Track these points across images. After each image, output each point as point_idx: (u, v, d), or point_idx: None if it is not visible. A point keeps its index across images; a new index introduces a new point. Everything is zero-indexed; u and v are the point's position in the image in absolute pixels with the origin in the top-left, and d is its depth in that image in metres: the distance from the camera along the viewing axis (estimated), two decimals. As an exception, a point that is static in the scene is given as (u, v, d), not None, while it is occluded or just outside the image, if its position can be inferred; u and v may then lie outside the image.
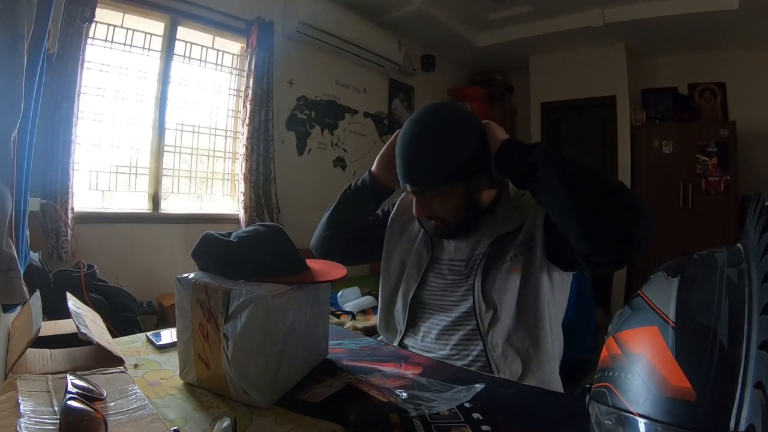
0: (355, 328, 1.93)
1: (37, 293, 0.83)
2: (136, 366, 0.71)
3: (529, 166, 0.75)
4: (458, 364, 0.85)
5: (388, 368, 0.75)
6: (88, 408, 0.47)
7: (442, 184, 0.83)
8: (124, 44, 2.38)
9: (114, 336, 0.81)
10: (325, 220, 1.04)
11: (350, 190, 1.01)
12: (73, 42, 2.01)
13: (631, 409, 0.33)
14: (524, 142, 0.81)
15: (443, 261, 0.95)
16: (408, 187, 0.86)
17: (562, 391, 0.87)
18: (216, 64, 2.86)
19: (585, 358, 1.07)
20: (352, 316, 2.22)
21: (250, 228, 0.73)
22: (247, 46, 2.87)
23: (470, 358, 0.87)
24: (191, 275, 0.65)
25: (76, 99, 2.06)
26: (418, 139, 0.83)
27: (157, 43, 2.54)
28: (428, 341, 0.92)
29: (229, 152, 2.99)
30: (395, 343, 0.97)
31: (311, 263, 0.76)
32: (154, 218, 2.58)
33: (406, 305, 0.96)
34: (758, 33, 3.33)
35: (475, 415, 0.57)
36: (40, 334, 0.68)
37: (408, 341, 0.96)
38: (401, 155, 0.84)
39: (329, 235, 1.03)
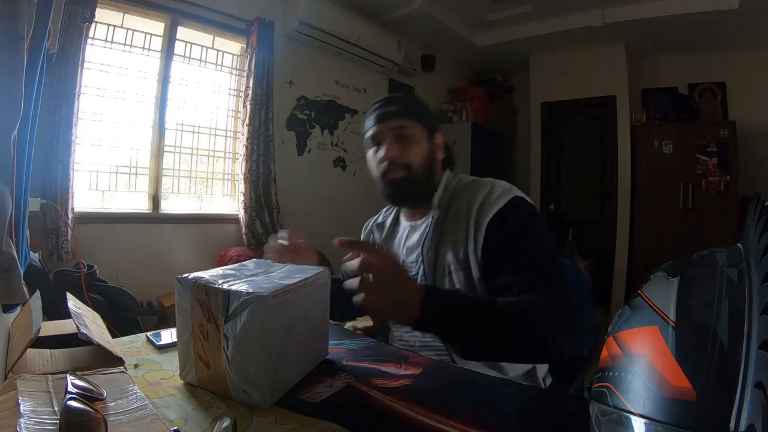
0: (355, 328, 1.92)
1: (37, 293, 0.83)
2: (136, 366, 0.71)
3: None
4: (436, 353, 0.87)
5: (388, 368, 0.75)
6: (88, 408, 0.47)
7: (417, 114, 0.91)
8: (124, 44, 2.38)
9: (114, 336, 0.81)
10: None
11: None
12: (73, 42, 2.01)
13: (631, 409, 0.33)
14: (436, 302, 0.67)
15: None
16: (383, 113, 0.90)
17: None
18: (216, 64, 2.86)
19: (580, 356, 1.07)
20: (352, 316, 2.21)
21: None
22: (247, 47, 2.87)
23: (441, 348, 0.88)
24: (191, 275, 0.65)
25: (76, 99, 2.06)
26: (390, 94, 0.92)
27: (157, 44, 2.54)
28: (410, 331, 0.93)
29: (229, 152, 2.99)
30: (390, 340, 0.99)
31: None
32: (154, 218, 2.58)
33: None
34: (758, 33, 3.34)
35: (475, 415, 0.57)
36: (40, 335, 0.68)
37: (396, 332, 0.98)
38: (375, 103, 0.93)
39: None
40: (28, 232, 0.91)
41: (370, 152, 0.94)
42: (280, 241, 0.88)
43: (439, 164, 0.95)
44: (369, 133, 0.93)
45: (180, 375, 0.67)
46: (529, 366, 0.87)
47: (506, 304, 0.71)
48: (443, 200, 0.91)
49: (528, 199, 0.85)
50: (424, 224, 0.93)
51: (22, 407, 0.47)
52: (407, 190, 0.91)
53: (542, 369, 0.91)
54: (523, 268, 0.77)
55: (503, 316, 0.68)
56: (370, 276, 0.61)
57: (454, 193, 0.91)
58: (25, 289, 0.64)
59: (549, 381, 0.93)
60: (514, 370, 0.86)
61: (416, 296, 0.64)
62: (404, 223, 1.00)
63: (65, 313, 0.75)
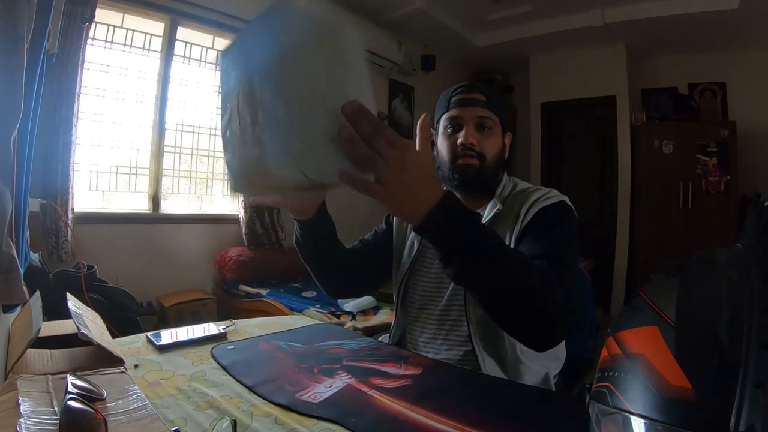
0: (355, 328, 1.93)
1: (37, 294, 0.83)
2: (136, 366, 0.71)
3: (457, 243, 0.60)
4: (450, 354, 0.87)
5: (388, 368, 0.75)
6: (89, 408, 0.47)
7: (499, 109, 0.92)
8: (124, 45, 2.38)
9: (114, 336, 0.81)
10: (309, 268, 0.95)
11: (299, 240, 0.92)
12: (73, 42, 2.01)
13: (631, 409, 0.33)
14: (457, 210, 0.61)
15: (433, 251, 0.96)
16: (470, 99, 0.90)
17: None
18: (216, 64, 2.86)
19: (583, 357, 1.07)
20: (352, 316, 2.21)
21: None
22: (247, 47, 2.87)
23: (460, 350, 0.87)
24: None
25: (76, 99, 2.06)
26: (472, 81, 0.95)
27: (157, 44, 2.54)
28: (426, 336, 0.93)
29: (229, 152, 2.99)
30: (396, 340, 0.98)
31: None
32: (154, 218, 2.58)
33: (399, 290, 0.98)
34: (758, 33, 3.33)
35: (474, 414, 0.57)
36: (40, 335, 0.68)
37: (408, 336, 0.97)
38: (459, 86, 0.93)
39: (325, 283, 0.98)
40: (28, 233, 0.91)
41: (444, 133, 0.93)
42: None
43: (503, 164, 0.97)
44: (449, 114, 0.92)
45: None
46: (542, 374, 0.87)
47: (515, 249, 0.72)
48: (501, 196, 0.93)
49: (575, 211, 0.88)
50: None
51: (22, 407, 0.47)
52: (477, 179, 0.91)
53: (554, 371, 0.91)
54: (538, 250, 0.78)
55: (510, 252, 0.68)
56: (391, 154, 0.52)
57: (512, 192, 0.94)
58: (25, 289, 0.64)
59: (555, 381, 0.93)
60: (531, 376, 0.86)
61: (433, 194, 0.58)
62: None
63: (65, 313, 0.75)
